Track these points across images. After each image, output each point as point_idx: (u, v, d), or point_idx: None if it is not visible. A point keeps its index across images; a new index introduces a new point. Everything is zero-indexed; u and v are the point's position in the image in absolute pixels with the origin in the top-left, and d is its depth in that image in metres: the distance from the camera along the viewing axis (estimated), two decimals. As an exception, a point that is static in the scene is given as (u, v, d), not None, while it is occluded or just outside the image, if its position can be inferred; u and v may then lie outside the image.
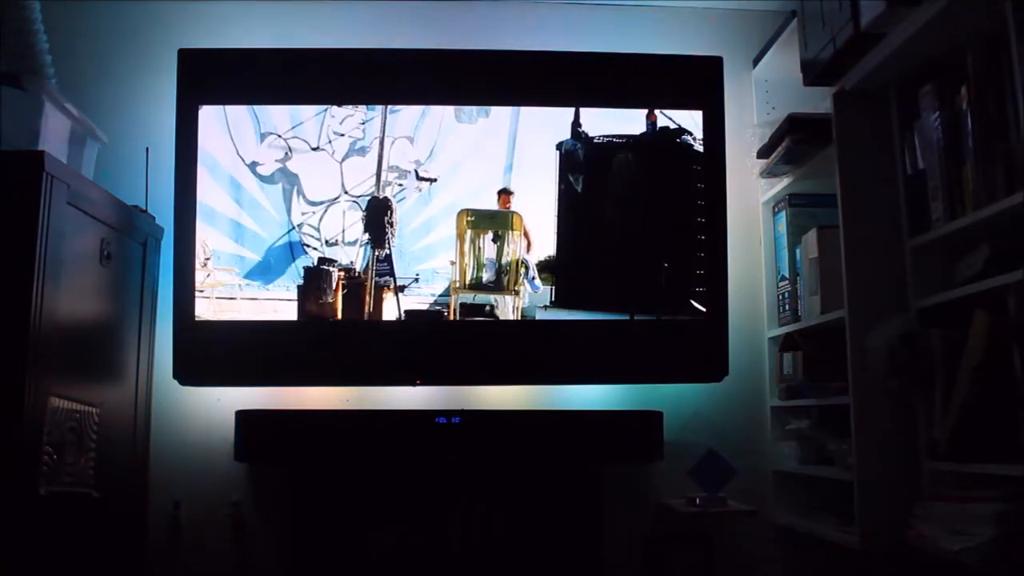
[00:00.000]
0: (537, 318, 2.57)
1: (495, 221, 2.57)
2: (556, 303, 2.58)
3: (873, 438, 2.16)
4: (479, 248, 2.56)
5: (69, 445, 2.03)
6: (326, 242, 2.57)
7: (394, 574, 2.50)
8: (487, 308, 2.51)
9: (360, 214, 2.56)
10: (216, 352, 2.53)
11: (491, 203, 2.60)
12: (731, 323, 2.61)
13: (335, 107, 2.60)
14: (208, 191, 2.55)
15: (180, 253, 2.52)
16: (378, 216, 2.55)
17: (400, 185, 2.58)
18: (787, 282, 2.67)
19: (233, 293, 2.54)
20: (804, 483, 2.60)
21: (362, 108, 2.60)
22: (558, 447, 2.51)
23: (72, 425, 2.05)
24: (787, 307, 2.67)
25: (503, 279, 2.56)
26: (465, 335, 2.58)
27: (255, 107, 2.59)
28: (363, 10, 2.83)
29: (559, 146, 2.61)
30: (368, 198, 2.58)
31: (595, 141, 2.59)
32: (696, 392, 2.70)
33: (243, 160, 2.59)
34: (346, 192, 2.58)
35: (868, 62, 2.13)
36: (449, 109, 2.62)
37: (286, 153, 2.59)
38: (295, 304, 2.55)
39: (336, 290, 2.52)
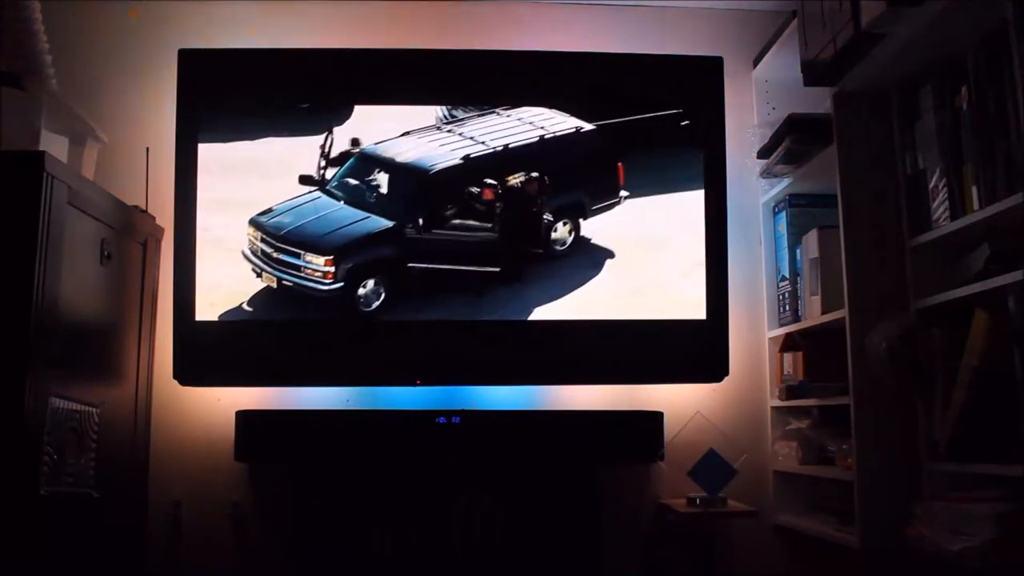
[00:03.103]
0: (537, 318, 2.57)
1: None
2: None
3: (873, 438, 2.16)
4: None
5: (69, 445, 2.03)
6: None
7: (394, 574, 2.50)
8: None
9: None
10: (216, 352, 2.53)
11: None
12: (731, 323, 2.61)
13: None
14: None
15: (180, 253, 2.52)
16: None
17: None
18: (787, 282, 2.67)
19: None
20: (804, 483, 2.60)
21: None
22: (558, 447, 2.51)
23: (72, 425, 2.05)
24: (787, 307, 2.67)
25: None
26: (464, 335, 2.57)
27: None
28: (364, 10, 2.83)
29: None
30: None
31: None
32: (696, 392, 2.70)
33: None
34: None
35: (868, 62, 2.13)
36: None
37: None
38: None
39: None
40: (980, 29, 1.86)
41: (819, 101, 2.40)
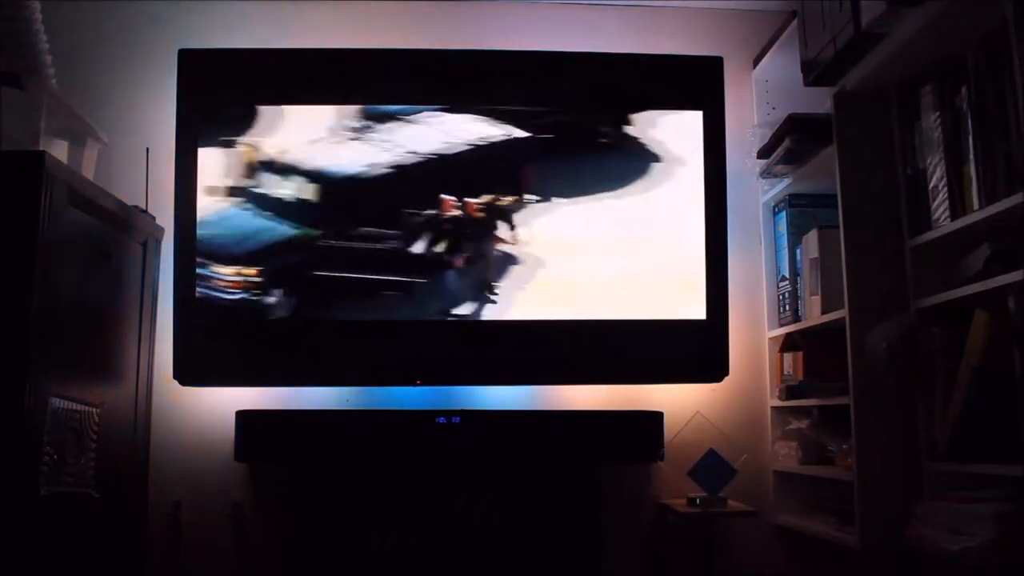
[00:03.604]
0: (536, 318, 2.57)
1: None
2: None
3: (873, 438, 2.16)
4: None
5: (69, 445, 2.03)
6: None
7: (394, 574, 2.50)
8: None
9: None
10: (216, 352, 2.53)
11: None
12: (731, 323, 2.62)
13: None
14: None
15: (180, 253, 2.52)
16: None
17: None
18: (787, 282, 2.67)
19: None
20: (804, 483, 2.60)
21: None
22: (558, 447, 2.51)
23: (72, 425, 2.05)
24: (787, 307, 2.67)
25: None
26: (465, 335, 2.57)
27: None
28: (364, 10, 2.83)
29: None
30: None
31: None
32: (696, 392, 2.70)
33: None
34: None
35: (868, 62, 2.13)
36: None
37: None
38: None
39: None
40: (980, 29, 1.86)
41: (819, 101, 2.40)
